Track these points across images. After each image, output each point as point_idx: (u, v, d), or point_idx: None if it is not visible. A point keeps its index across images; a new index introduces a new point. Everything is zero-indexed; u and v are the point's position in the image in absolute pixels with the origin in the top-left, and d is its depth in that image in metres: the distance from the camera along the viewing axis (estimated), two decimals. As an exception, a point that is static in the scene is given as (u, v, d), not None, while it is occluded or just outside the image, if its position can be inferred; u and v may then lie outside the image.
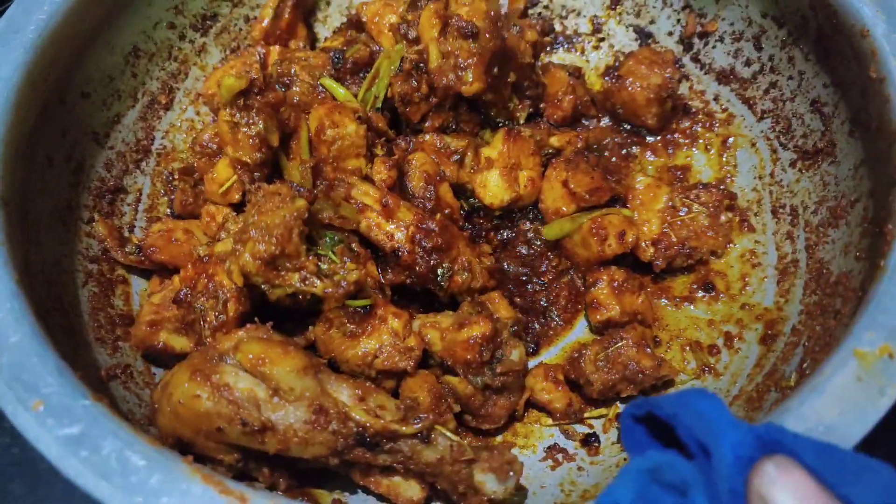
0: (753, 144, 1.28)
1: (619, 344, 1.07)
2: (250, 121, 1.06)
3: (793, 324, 1.06)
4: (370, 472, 0.93)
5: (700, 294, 1.19)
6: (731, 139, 1.31)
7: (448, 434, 0.90)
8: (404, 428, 0.88)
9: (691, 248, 1.18)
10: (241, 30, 1.38)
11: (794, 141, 1.21)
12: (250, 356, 0.88)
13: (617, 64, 1.39)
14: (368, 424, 0.87)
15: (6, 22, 1.05)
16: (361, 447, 0.87)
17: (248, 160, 1.08)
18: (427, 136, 1.17)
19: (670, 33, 1.39)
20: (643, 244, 1.18)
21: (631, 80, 1.29)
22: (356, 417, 0.87)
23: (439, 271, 1.05)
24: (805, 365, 0.96)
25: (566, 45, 1.46)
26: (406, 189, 1.12)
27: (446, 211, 1.11)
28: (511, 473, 0.88)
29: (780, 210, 1.20)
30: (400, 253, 1.04)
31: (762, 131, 1.27)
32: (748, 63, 1.29)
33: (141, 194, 1.24)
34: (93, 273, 1.10)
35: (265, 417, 0.85)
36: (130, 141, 1.24)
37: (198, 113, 1.34)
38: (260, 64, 1.26)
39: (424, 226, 1.04)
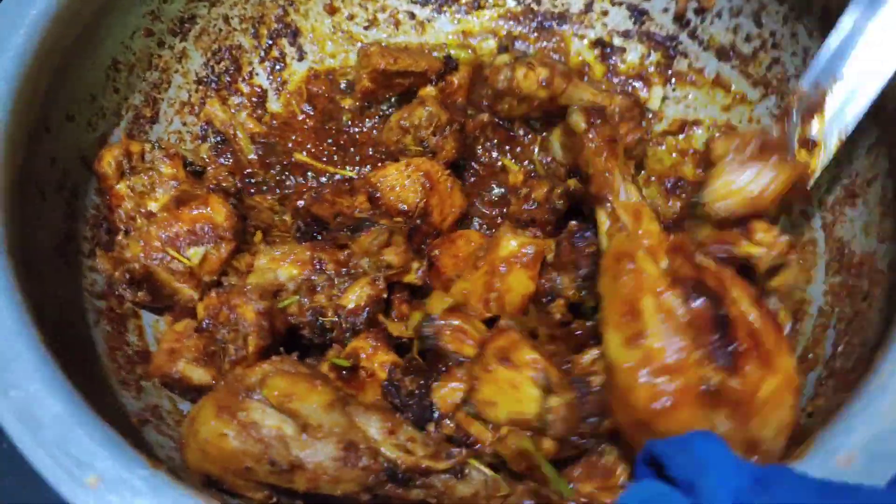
0: (757, 122, 1.27)
1: None
2: None
3: (818, 305, 1.08)
4: None
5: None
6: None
7: (482, 468, 0.88)
8: (437, 464, 0.85)
9: None
10: (220, 30, 1.30)
11: (799, 117, 1.21)
12: (276, 392, 0.85)
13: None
14: (400, 461, 0.84)
15: (-19, 50, 0.96)
16: (393, 483, 0.85)
17: None
18: None
19: (665, 10, 1.36)
20: None
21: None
22: (386, 453, 0.85)
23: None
24: (840, 348, 0.98)
25: (557, 25, 1.42)
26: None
27: None
28: None
29: (790, 188, 1.21)
30: None
31: (767, 108, 1.26)
32: (748, 39, 1.28)
33: (138, 217, 1.16)
34: (102, 310, 1.04)
35: (294, 456, 0.82)
36: (120, 161, 1.16)
37: (184, 123, 1.27)
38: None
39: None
